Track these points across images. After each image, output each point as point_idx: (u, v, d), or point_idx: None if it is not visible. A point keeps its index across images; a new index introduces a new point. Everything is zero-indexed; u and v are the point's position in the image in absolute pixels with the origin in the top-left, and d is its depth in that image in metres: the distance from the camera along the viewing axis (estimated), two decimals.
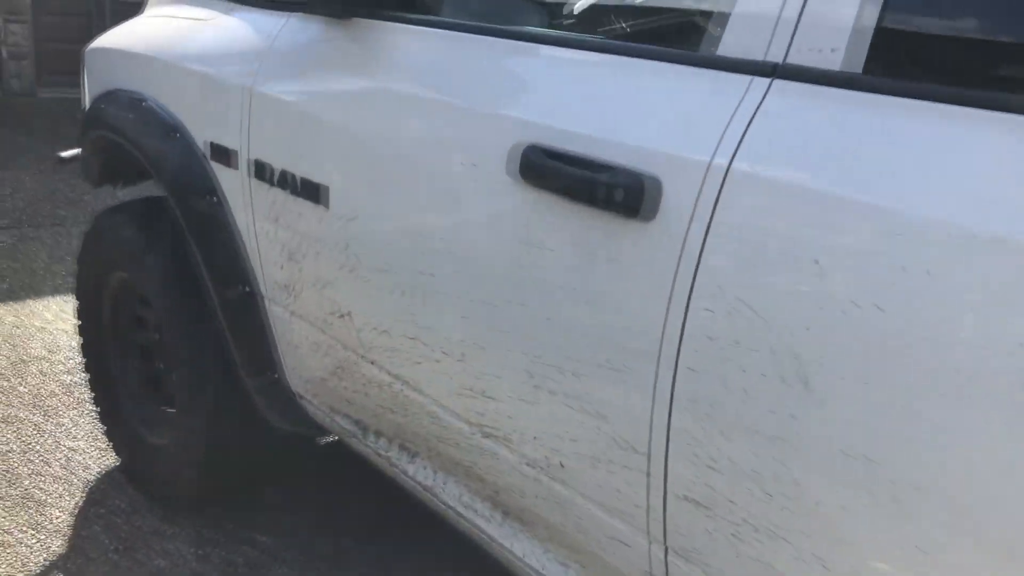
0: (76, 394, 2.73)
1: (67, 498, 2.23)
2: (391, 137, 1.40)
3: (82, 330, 2.40)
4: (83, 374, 2.78)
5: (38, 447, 2.43)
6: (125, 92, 2.05)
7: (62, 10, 8.72)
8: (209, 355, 1.93)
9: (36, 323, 3.20)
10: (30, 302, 3.38)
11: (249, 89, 1.67)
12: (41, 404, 2.66)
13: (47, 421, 2.56)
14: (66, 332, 3.15)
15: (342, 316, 1.58)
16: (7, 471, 2.31)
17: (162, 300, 1.97)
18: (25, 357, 2.94)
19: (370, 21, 1.50)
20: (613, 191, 1.05)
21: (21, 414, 2.59)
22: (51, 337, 3.11)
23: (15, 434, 2.48)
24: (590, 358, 1.13)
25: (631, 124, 1.08)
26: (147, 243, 1.99)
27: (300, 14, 1.67)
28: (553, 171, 1.14)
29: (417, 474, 1.56)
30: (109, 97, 2.10)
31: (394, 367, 1.49)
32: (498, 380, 1.29)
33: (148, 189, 2.30)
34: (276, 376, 1.85)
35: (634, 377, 1.08)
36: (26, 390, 2.73)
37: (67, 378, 2.82)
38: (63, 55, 8.68)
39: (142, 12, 2.43)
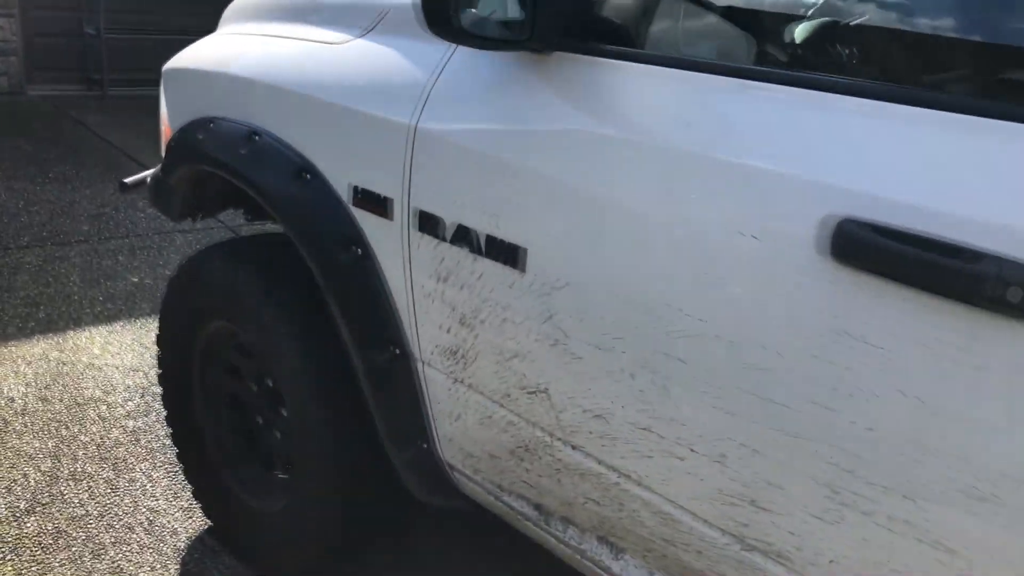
0: (144, 442, 2.50)
1: (160, 570, 2.01)
2: (625, 197, 1.20)
3: (164, 380, 2.18)
4: (146, 418, 2.57)
5: (116, 509, 2.20)
6: (230, 123, 1.83)
7: (52, 3, 8.35)
8: (342, 421, 1.72)
9: (84, 359, 2.96)
10: (72, 334, 3.14)
11: (412, 129, 1.46)
12: (108, 456, 2.43)
13: (119, 477, 2.34)
14: (118, 368, 2.91)
15: (534, 392, 1.38)
16: (88, 539, 2.09)
17: (284, 360, 1.75)
18: (80, 399, 2.71)
19: (580, 57, 1.29)
20: (1001, 287, 0.86)
21: (89, 468, 2.36)
22: (103, 375, 2.87)
23: (88, 494, 2.25)
24: (939, 481, 0.94)
25: (1011, 203, 0.89)
26: (264, 293, 1.77)
27: None
28: (891, 254, 0.94)
29: (624, 572, 1.36)
30: (207, 127, 1.87)
31: (610, 457, 1.30)
32: (778, 491, 1.09)
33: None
34: (426, 446, 1.65)
35: (1012, 511, 0.89)
36: (88, 439, 2.50)
37: (130, 423, 2.59)
38: (53, 50, 8.34)
39: (220, 28, 2.21)
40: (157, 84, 2.21)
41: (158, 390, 2.70)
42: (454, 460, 1.62)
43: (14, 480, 2.27)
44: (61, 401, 2.68)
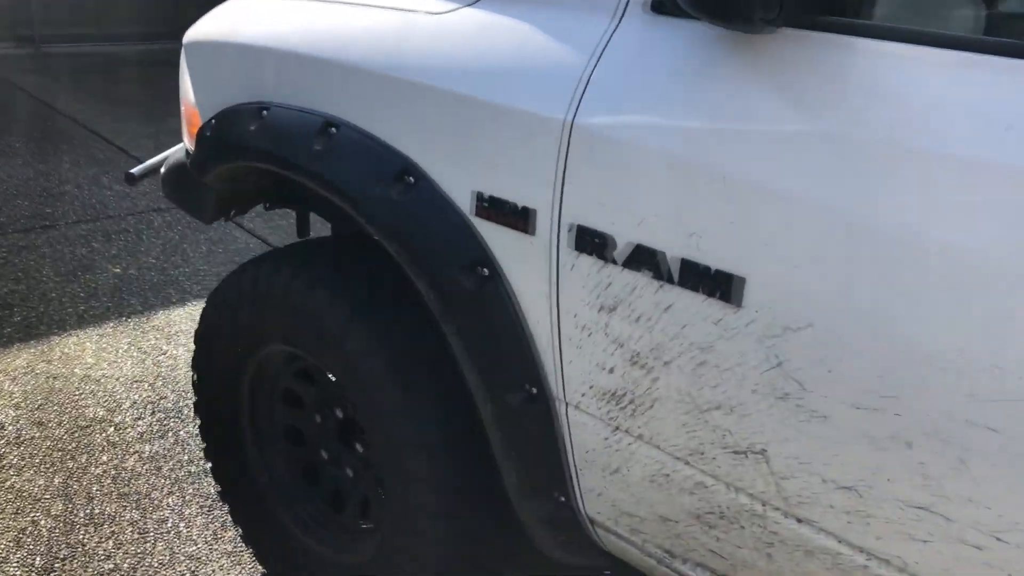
0: (166, 471, 2.18)
1: None
2: (911, 222, 0.93)
3: (202, 409, 1.87)
4: (162, 441, 2.26)
5: (150, 560, 1.90)
6: (294, 111, 1.50)
7: None
8: (453, 472, 1.44)
9: (77, 370, 2.60)
10: (57, 340, 2.77)
11: (566, 126, 1.16)
12: (128, 491, 2.11)
13: (145, 517, 2.02)
14: (119, 380, 2.57)
15: (743, 453, 1.12)
16: None
17: (377, 399, 1.46)
18: (82, 421, 2.36)
19: (822, 35, 1.01)
20: None
21: (108, 509, 2.04)
22: (102, 388, 2.52)
23: (113, 542, 1.94)
24: None
25: None
26: (352, 316, 1.46)
27: (638, 15, 1.16)
28: None
29: None
30: (260, 116, 1.54)
31: (859, 537, 1.05)
32: None
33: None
34: (563, 499, 1.38)
35: None
36: (101, 471, 2.17)
37: (146, 448, 2.27)
38: None
39: None
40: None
41: (169, 405, 2.39)
42: (600, 516, 1.36)
43: (22, 530, 1.94)
44: (60, 425, 2.33)
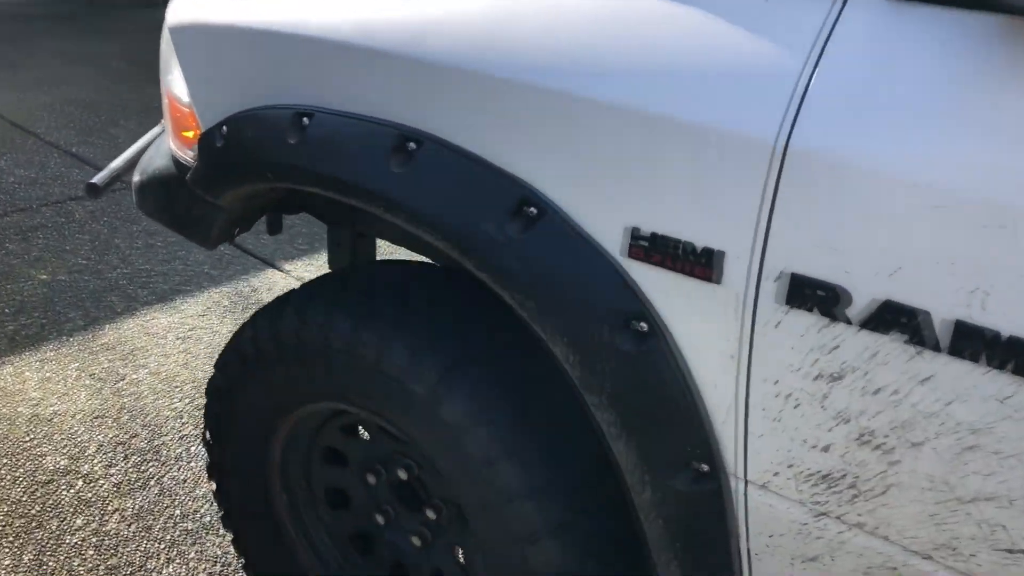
0: (158, 532, 1.85)
1: None
2: None
3: (215, 472, 1.55)
4: (144, 492, 1.92)
5: None
6: (349, 120, 1.18)
7: None
8: (590, 564, 1.19)
9: (22, 409, 2.20)
10: None
11: (777, 150, 0.90)
12: (118, 563, 1.77)
13: None
14: (75, 417, 2.19)
15: (1019, 552, 0.90)
16: None
17: (481, 477, 1.19)
18: (42, 475, 1.99)
19: None
20: None
21: None
22: (58, 430, 2.14)
23: None
24: None
25: None
26: (443, 376, 1.17)
27: (871, 3, 0.89)
28: None
29: None
30: (298, 124, 1.21)
31: None
32: None
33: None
34: None
35: None
36: (79, 539, 1.82)
37: (128, 504, 1.92)
38: None
39: None
40: None
41: (142, 444, 2.05)
42: None
43: None
44: (16, 482, 1.96)
